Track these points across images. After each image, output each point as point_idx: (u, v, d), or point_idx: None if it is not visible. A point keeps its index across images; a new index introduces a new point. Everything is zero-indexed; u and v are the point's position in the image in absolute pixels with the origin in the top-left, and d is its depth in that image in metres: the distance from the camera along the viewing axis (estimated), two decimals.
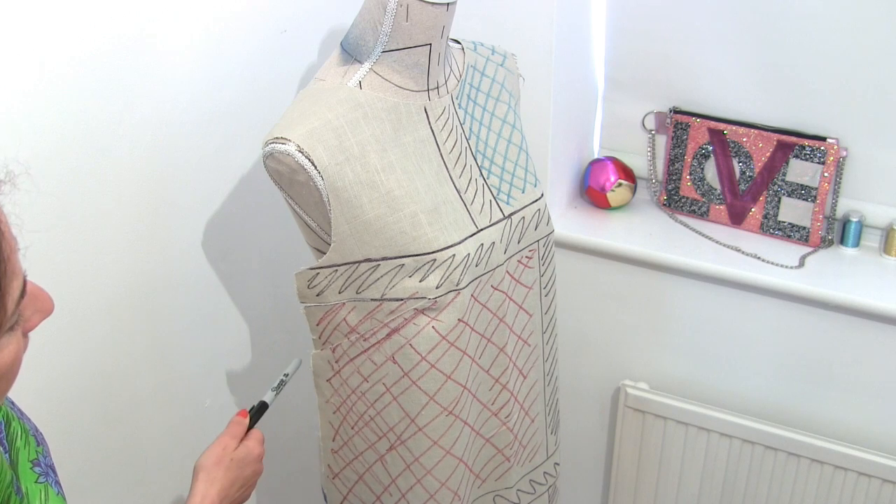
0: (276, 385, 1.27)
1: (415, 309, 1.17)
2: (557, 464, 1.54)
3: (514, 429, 1.38)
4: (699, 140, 1.80)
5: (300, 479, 1.84)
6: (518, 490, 1.45)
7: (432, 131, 1.21)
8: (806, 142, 1.69)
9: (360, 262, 1.16)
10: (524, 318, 1.35)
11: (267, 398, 1.25)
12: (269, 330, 1.66)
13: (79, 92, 1.20)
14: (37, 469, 0.91)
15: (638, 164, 1.91)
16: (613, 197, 1.86)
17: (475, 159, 1.27)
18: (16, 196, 0.68)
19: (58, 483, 0.94)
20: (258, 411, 1.23)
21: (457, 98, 1.25)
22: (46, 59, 1.14)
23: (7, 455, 0.88)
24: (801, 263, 1.70)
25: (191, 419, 1.55)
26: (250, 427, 1.20)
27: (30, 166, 0.76)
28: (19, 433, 0.92)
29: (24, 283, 0.70)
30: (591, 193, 1.88)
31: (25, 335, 0.74)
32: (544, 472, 1.50)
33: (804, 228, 1.74)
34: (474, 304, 1.24)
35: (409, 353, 1.20)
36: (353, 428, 1.31)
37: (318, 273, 1.18)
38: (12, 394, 0.92)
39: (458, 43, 1.31)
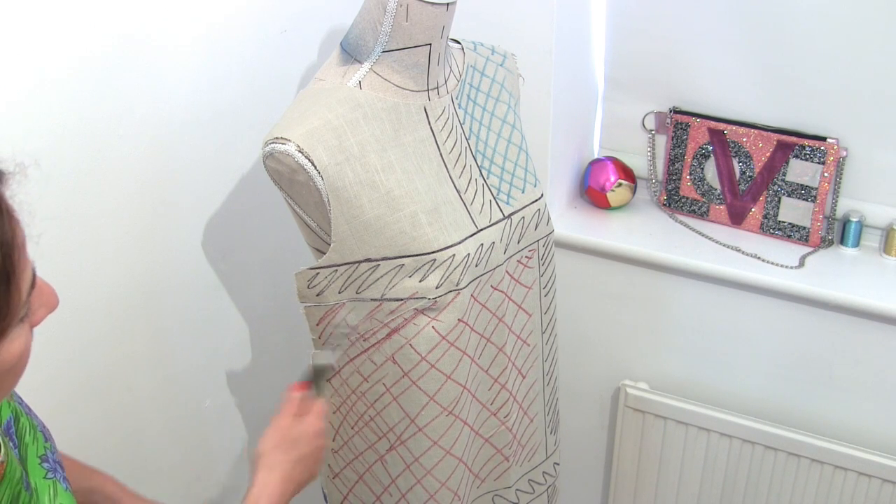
0: (334, 346, 1.16)
1: (415, 309, 1.17)
2: (557, 464, 1.54)
3: (512, 428, 1.38)
4: (699, 140, 1.80)
5: None
6: (517, 490, 1.45)
7: (432, 131, 1.20)
8: (806, 142, 1.69)
9: (359, 262, 1.16)
10: (523, 317, 1.35)
11: (325, 359, 1.13)
12: (269, 330, 1.66)
13: (79, 92, 1.20)
14: (45, 465, 0.92)
15: (638, 164, 1.90)
16: (613, 197, 1.86)
17: (475, 159, 1.27)
18: (28, 187, 0.70)
19: (66, 479, 0.94)
20: (317, 377, 1.13)
21: (457, 98, 1.25)
22: (46, 59, 1.14)
23: (17, 450, 0.89)
24: (801, 263, 1.70)
25: (191, 419, 1.55)
26: (315, 393, 1.13)
27: (39, 158, 0.77)
28: (28, 429, 0.93)
29: (34, 274, 0.72)
30: (591, 193, 1.88)
31: (31, 329, 0.75)
32: (543, 472, 1.50)
33: (804, 228, 1.74)
34: (474, 304, 1.24)
35: (408, 353, 1.20)
36: (353, 428, 1.31)
37: (317, 273, 1.18)
38: (18, 390, 0.92)
39: (458, 43, 1.31)
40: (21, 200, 0.70)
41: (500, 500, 1.44)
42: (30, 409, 0.96)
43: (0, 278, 0.66)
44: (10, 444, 0.88)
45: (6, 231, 0.67)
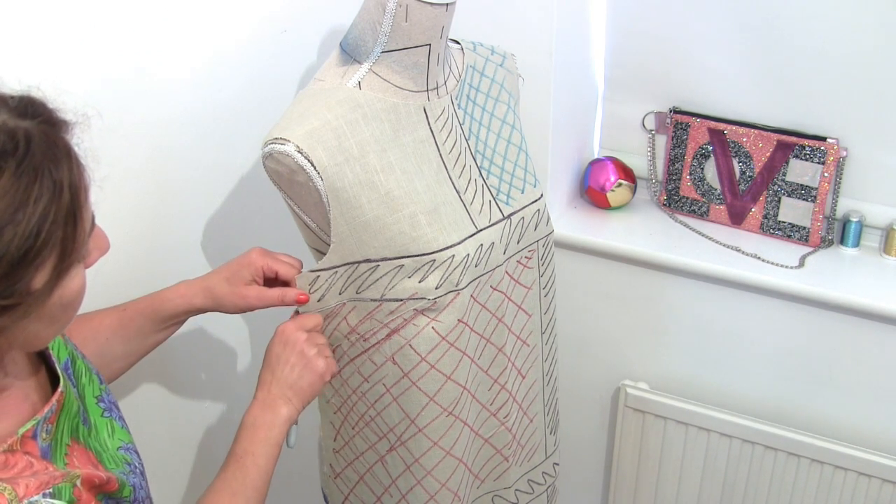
0: None
1: (414, 309, 1.17)
2: (557, 464, 1.54)
3: (512, 429, 1.38)
4: (699, 140, 1.80)
5: (300, 479, 1.85)
6: (516, 490, 1.45)
7: (431, 132, 1.20)
8: (806, 142, 1.69)
9: (359, 262, 1.16)
10: (523, 318, 1.35)
11: None
12: (269, 330, 1.65)
13: (78, 93, 1.19)
14: (101, 404, 0.99)
15: (638, 164, 1.91)
16: (613, 197, 1.86)
17: (475, 159, 1.27)
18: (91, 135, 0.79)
19: (122, 418, 1.01)
20: None
21: (456, 98, 1.25)
22: (44, 59, 1.14)
23: (75, 390, 0.94)
24: (801, 263, 1.70)
25: (191, 420, 1.55)
26: None
27: (102, 110, 0.87)
28: (84, 371, 0.99)
29: (93, 218, 0.80)
30: (591, 193, 1.88)
31: (84, 270, 0.82)
32: (543, 472, 1.50)
33: (804, 228, 1.74)
34: (474, 304, 1.24)
35: (408, 354, 1.20)
36: (353, 428, 1.31)
37: (318, 276, 1.18)
38: None
39: (458, 43, 1.31)
40: (86, 147, 0.78)
41: (499, 501, 1.44)
42: (84, 355, 1.02)
43: (68, 218, 0.74)
44: (70, 382, 0.93)
45: (75, 175, 0.75)
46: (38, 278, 0.74)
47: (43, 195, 0.71)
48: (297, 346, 1.14)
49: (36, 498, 0.77)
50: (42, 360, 0.94)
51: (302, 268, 1.21)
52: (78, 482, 0.83)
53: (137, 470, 0.99)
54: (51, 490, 0.79)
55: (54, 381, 0.93)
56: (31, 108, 0.76)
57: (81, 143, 0.78)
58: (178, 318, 1.23)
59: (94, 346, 1.13)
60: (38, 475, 0.80)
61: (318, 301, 1.20)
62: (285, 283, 1.21)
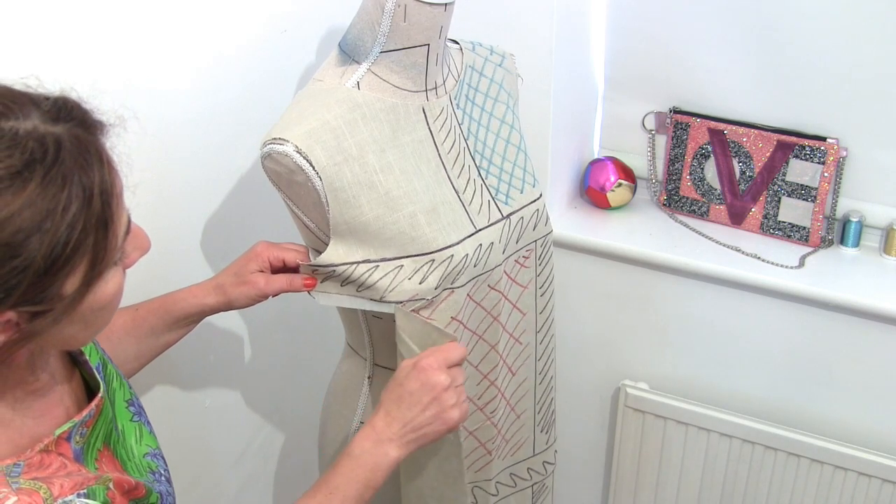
0: None
1: (412, 310, 1.17)
2: (549, 462, 1.53)
3: (498, 424, 1.38)
4: (699, 140, 1.80)
5: (301, 477, 1.85)
6: (497, 482, 1.45)
7: (430, 132, 1.21)
8: (806, 142, 1.69)
9: (358, 262, 1.16)
10: (517, 316, 1.35)
11: None
12: (269, 330, 1.66)
13: (77, 93, 1.19)
14: (131, 409, 0.99)
15: (638, 164, 1.91)
16: (613, 197, 1.86)
17: (473, 160, 1.27)
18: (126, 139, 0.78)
19: (149, 423, 1.01)
20: None
21: (455, 98, 1.25)
22: (43, 58, 1.14)
23: (106, 394, 0.94)
24: (801, 263, 1.70)
25: (191, 420, 1.55)
26: None
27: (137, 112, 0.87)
28: (115, 375, 0.99)
29: (129, 219, 0.80)
30: (591, 193, 1.88)
31: (124, 271, 0.81)
32: (529, 468, 1.50)
33: (804, 228, 1.74)
34: (469, 302, 1.24)
35: (398, 348, 1.20)
36: None
37: (315, 271, 1.18)
38: None
39: (457, 43, 1.31)
40: (120, 151, 0.77)
41: (478, 492, 1.44)
42: (111, 359, 1.02)
43: (99, 224, 0.73)
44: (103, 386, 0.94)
45: (106, 180, 0.74)
46: (69, 284, 0.73)
47: (72, 203, 0.70)
48: (436, 391, 1.04)
49: (70, 498, 0.77)
50: (76, 366, 0.94)
51: (308, 253, 1.22)
52: (111, 485, 0.83)
53: (163, 477, 0.98)
54: (85, 491, 0.79)
55: (87, 388, 0.93)
56: (64, 111, 0.75)
57: (115, 146, 0.77)
58: (191, 319, 1.22)
59: (107, 347, 1.13)
60: (72, 476, 0.80)
61: (322, 283, 1.19)
62: (294, 271, 1.21)
